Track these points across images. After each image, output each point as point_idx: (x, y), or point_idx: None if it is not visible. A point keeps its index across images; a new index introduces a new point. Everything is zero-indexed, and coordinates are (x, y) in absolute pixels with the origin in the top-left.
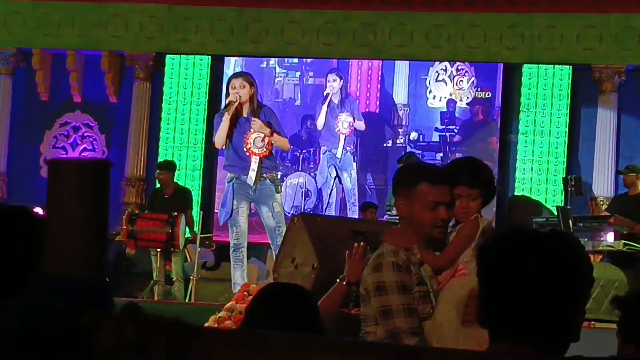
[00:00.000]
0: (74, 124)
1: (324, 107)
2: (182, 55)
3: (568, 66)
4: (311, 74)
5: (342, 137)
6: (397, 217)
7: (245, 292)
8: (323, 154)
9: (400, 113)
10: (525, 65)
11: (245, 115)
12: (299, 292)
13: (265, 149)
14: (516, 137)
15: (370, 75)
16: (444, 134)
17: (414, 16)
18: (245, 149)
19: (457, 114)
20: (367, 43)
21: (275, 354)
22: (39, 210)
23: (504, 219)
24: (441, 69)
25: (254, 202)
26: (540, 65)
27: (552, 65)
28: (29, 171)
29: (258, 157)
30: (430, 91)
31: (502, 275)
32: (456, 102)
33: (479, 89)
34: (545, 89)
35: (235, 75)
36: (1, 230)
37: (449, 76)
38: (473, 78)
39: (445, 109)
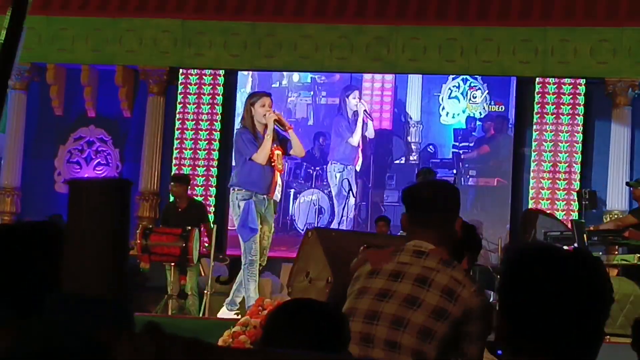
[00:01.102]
0: (88, 139)
1: (359, 124)
2: (195, 70)
3: (581, 80)
4: (324, 93)
5: (359, 151)
6: None
7: (259, 307)
8: (340, 171)
9: (413, 130)
10: (538, 78)
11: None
12: (317, 307)
13: (282, 166)
14: (529, 151)
15: (383, 92)
16: (458, 150)
17: (427, 30)
18: (272, 165)
19: (474, 132)
20: (381, 57)
21: None
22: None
23: (517, 232)
24: (454, 86)
25: (261, 220)
26: (553, 78)
27: (566, 79)
28: (43, 186)
29: (278, 174)
30: (443, 108)
31: (515, 289)
32: (476, 119)
33: (492, 102)
34: (559, 102)
35: (266, 94)
36: (23, 246)
37: (462, 93)
38: (486, 93)
39: (459, 126)
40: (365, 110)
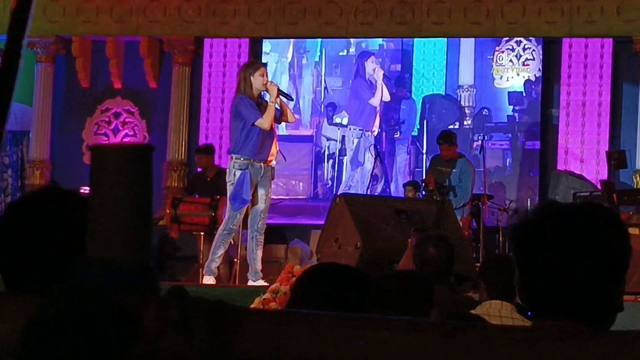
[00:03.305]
0: (115, 110)
1: (379, 86)
2: (220, 39)
3: (609, 39)
4: (387, 61)
5: (378, 115)
6: (432, 194)
7: (289, 274)
8: (358, 137)
9: (467, 94)
10: (565, 39)
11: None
12: (345, 271)
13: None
14: (557, 112)
15: (435, 57)
16: (513, 114)
17: None
18: (273, 133)
19: (530, 94)
20: (405, 21)
21: (321, 332)
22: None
23: (547, 194)
24: (507, 49)
25: (257, 185)
26: (580, 38)
27: (593, 38)
28: (72, 158)
29: (276, 142)
30: (496, 71)
31: (530, 251)
32: (532, 82)
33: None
34: (586, 62)
35: (262, 64)
36: (50, 212)
37: (516, 55)
38: (540, 55)
39: (514, 89)
40: (384, 74)
